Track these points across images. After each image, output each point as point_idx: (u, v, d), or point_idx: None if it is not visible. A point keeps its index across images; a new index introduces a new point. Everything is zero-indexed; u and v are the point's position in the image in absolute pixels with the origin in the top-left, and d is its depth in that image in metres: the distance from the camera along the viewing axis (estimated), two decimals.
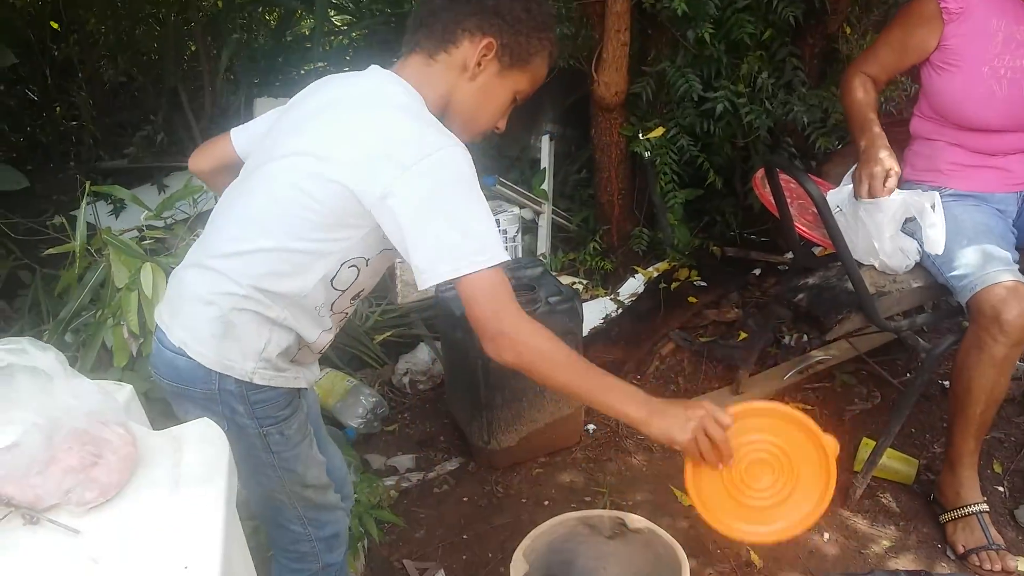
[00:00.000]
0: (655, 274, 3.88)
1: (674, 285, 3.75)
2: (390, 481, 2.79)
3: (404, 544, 2.55)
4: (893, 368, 3.16)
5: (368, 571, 2.41)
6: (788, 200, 2.56)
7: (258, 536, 2.06)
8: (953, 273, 2.28)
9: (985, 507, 2.39)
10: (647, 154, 3.72)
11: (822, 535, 2.49)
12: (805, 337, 3.37)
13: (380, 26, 5.41)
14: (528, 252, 3.98)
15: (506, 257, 1.42)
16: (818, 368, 3.18)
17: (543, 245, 4.03)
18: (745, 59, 3.53)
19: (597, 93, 3.60)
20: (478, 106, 1.59)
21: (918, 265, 2.41)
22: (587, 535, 2.03)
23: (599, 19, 3.48)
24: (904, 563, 2.38)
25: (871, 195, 2.28)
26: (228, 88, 5.05)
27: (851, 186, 2.41)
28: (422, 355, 3.36)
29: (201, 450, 1.33)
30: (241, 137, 1.77)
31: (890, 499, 2.62)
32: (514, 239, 3.79)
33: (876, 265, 2.42)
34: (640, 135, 3.71)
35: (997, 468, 2.71)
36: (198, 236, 2.36)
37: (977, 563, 2.32)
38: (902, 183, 2.60)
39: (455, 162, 1.42)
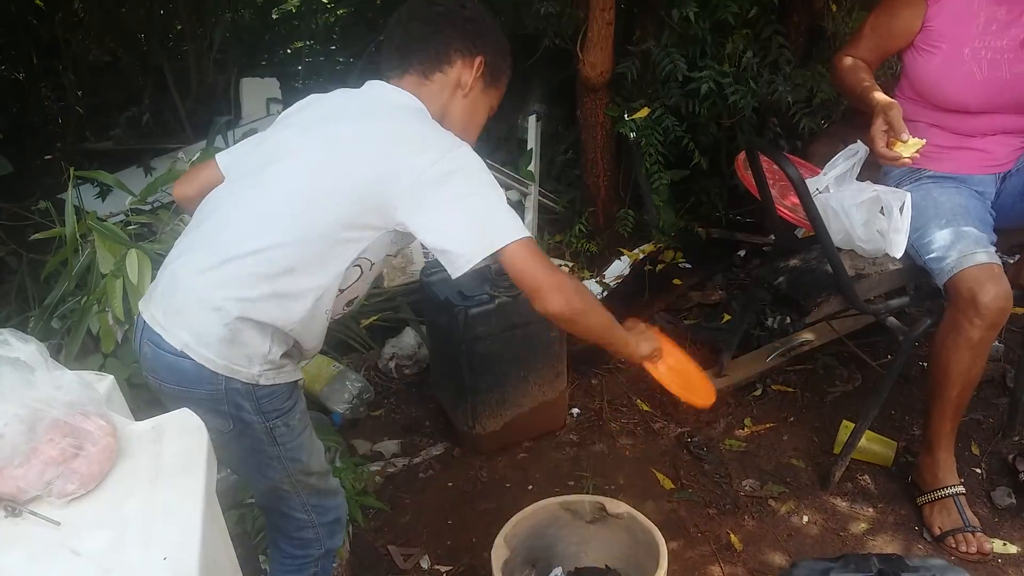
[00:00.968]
0: (641, 256, 3.89)
1: (659, 267, 3.76)
2: (376, 466, 2.81)
3: (389, 529, 2.57)
4: (874, 350, 3.19)
5: (353, 557, 2.43)
6: (770, 182, 2.58)
7: (243, 524, 2.09)
8: (931, 255, 2.30)
9: (962, 489, 2.42)
10: (632, 135, 3.73)
11: (801, 517, 2.52)
12: (787, 320, 3.39)
13: (365, 4, 5.40)
14: None
15: (528, 233, 1.52)
16: (800, 350, 3.20)
17: (529, 227, 4.04)
18: (730, 38, 3.53)
19: (582, 73, 3.61)
20: (469, 120, 1.74)
21: None
22: (568, 520, 2.06)
23: None
24: (881, 544, 2.41)
25: (888, 155, 2.22)
26: (214, 68, 5.02)
27: (835, 170, 2.42)
28: (408, 339, 3.37)
29: (181, 440, 1.34)
30: (227, 160, 1.77)
31: (869, 481, 2.65)
32: None
33: (854, 249, 2.44)
34: (625, 115, 3.72)
35: (975, 450, 2.74)
36: (184, 221, 2.38)
37: (953, 545, 2.35)
38: (883, 166, 2.62)
39: (472, 156, 1.55)
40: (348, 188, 1.52)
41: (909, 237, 2.33)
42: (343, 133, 1.59)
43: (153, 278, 2.05)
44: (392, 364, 3.33)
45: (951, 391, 2.31)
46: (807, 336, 3.25)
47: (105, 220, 2.43)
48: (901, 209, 2.27)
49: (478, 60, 1.68)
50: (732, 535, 2.47)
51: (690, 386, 1.95)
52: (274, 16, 5.63)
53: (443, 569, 2.43)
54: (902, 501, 2.56)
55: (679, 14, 3.36)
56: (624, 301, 3.60)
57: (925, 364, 2.86)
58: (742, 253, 3.89)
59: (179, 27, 5.06)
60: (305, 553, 1.86)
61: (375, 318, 3.38)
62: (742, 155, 2.70)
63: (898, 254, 2.31)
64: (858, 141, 2.42)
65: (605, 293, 3.70)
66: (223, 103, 4.56)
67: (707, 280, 3.76)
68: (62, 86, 5.04)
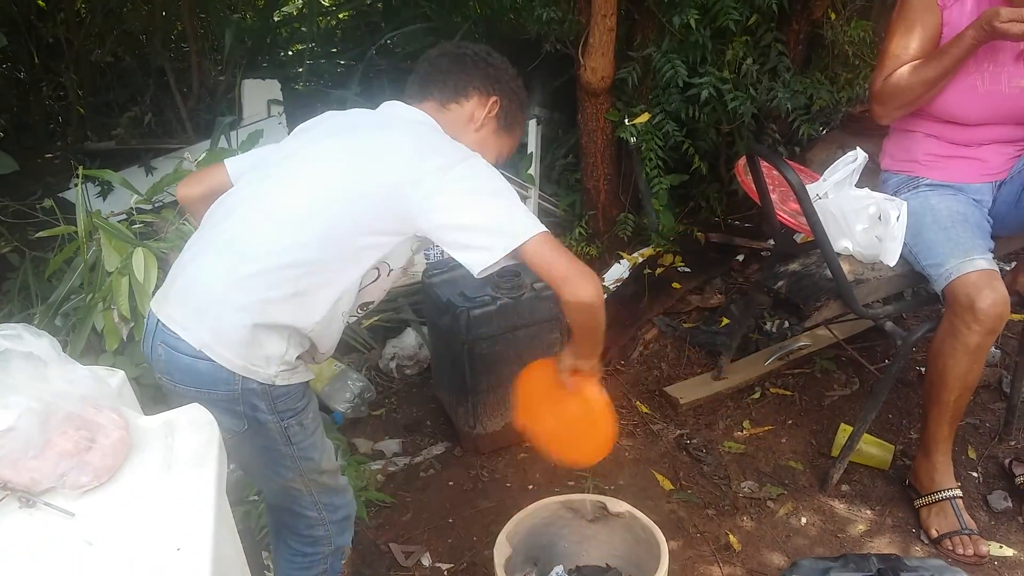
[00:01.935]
0: (640, 260, 3.91)
1: (658, 271, 3.78)
2: (377, 465, 2.83)
3: (390, 527, 2.59)
4: (872, 354, 3.22)
5: (355, 554, 2.45)
6: (770, 187, 2.60)
7: (248, 520, 2.10)
8: (929, 262, 2.32)
9: (959, 492, 2.44)
10: (633, 140, 3.75)
11: (800, 519, 2.55)
12: (786, 324, 3.41)
13: (367, 7, 5.42)
14: None
15: (546, 229, 1.56)
16: (798, 354, 3.23)
17: None
18: (730, 45, 3.55)
19: (583, 78, 3.63)
20: None
21: None
22: (569, 519, 2.08)
23: (586, 4, 3.51)
24: (879, 546, 2.43)
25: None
26: (216, 69, 5.04)
27: (835, 176, 2.43)
28: (409, 340, 3.39)
29: (192, 435, 1.37)
30: (237, 166, 1.79)
31: (866, 484, 2.67)
32: None
33: (853, 254, 2.46)
34: (626, 120, 3.74)
35: (972, 454, 2.76)
36: (187, 221, 2.40)
37: (950, 547, 2.37)
38: (880, 173, 2.65)
39: (485, 163, 1.62)
40: (370, 194, 1.56)
41: (907, 243, 2.36)
42: (363, 142, 1.64)
43: (159, 277, 2.08)
44: (393, 364, 3.34)
45: (948, 396, 2.33)
46: (805, 340, 3.27)
47: (107, 219, 2.44)
48: (898, 218, 2.29)
49: (493, 99, 1.77)
50: (731, 536, 2.49)
51: (595, 423, 1.87)
52: (276, 18, 5.65)
53: (444, 567, 2.44)
54: (899, 504, 2.58)
55: (680, 21, 3.38)
56: (623, 304, 3.61)
57: (923, 368, 2.89)
58: (741, 257, 3.91)
59: (181, 28, 5.08)
60: (315, 551, 1.89)
61: (376, 318, 3.40)
62: (742, 160, 2.72)
63: (892, 262, 2.33)
64: (857, 148, 2.44)
65: (604, 296, 3.71)
66: (224, 104, 4.58)
67: (706, 284, 3.78)
68: (64, 85, 5.05)
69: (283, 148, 1.73)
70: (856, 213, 2.38)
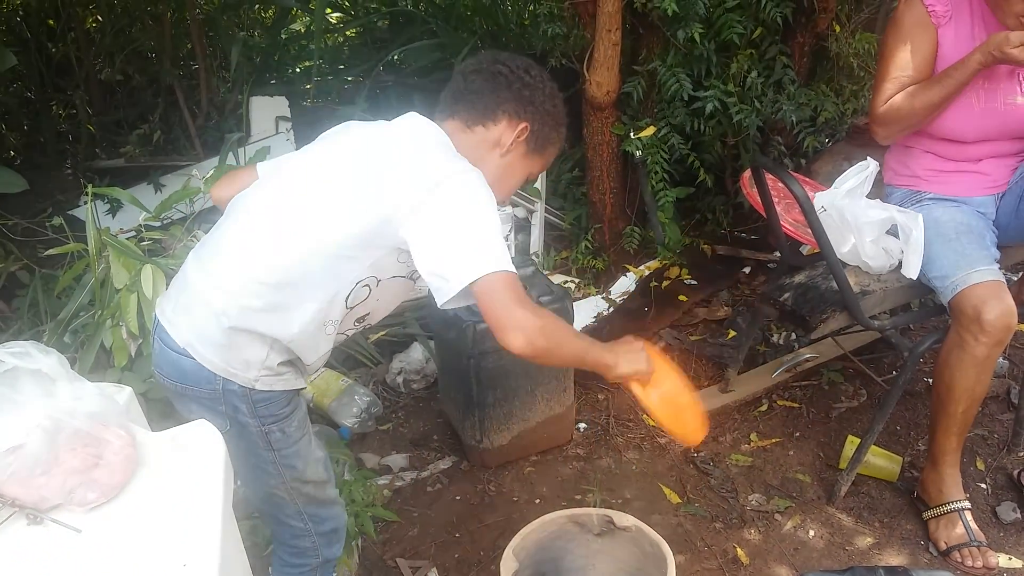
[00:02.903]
0: (646, 272, 3.92)
1: (665, 283, 3.79)
2: (384, 480, 2.83)
3: (397, 542, 2.59)
4: (879, 366, 3.21)
5: (362, 569, 2.45)
6: (775, 199, 2.60)
7: (254, 536, 2.11)
8: (935, 274, 2.32)
9: (967, 504, 2.44)
10: (638, 153, 3.77)
11: (807, 531, 2.54)
12: (792, 335, 3.41)
13: (375, 23, 5.45)
14: (521, 250, 4.02)
15: (514, 270, 1.50)
16: (805, 366, 3.22)
17: (536, 243, 4.07)
18: (735, 58, 3.57)
19: (589, 92, 3.65)
20: (500, 180, 1.73)
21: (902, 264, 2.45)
22: (576, 533, 2.07)
23: (591, 19, 3.52)
24: (887, 559, 2.42)
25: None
26: (224, 86, 5.07)
27: (847, 184, 2.43)
28: (416, 354, 3.39)
29: (199, 451, 1.38)
30: (266, 168, 1.81)
31: (874, 496, 2.66)
32: (507, 237, 3.82)
33: (860, 265, 2.46)
34: (631, 134, 3.76)
35: (980, 465, 2.75)
36: (196, 238, 2.42)
37: (959, 559, 2.36)
38: (884, 187, 2.65)
39: (476, 184, 1.55)
40: (353, 208, 1.55)
41: None
42: (362, 157, 1.63)
43: None
44: (400, 379, 3.35)
45: (956, 407, 2.33)
46: (812, 352, 3.26)
47: (116, 236, 2.46)
48: (916, 231, 2.29)
49: (523, 125, 1.70)
50: (739, 549, 2.48)
51: (679, 418, 1.84)
52: (283, 36, 5.68)
53: None
54: (908, 516, 2.57)
55: (684, 35, 3.40)
56: (630, 317, 3.62)
57: (930, 380, 2.88)
58: (747, 270, 3.92)
59: (189, 46, 5.12)
60: (302, 562, 1.89)
61: (383, 333, 3.41)
62: (747, 173, 2.73)
63: (913, 275, 2.33)
64: (868, 158, 2.44)
65: (611, 309, 3.72)
66: (232, 121, 4.61)
67: (712, 296, 3.79)
68: (74, 104, 5.09)
69: (299, 155, 1.74)
70: (869, 225, 2.38)
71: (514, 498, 2.76)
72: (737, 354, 3.10)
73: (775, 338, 3.43)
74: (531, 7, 4.93)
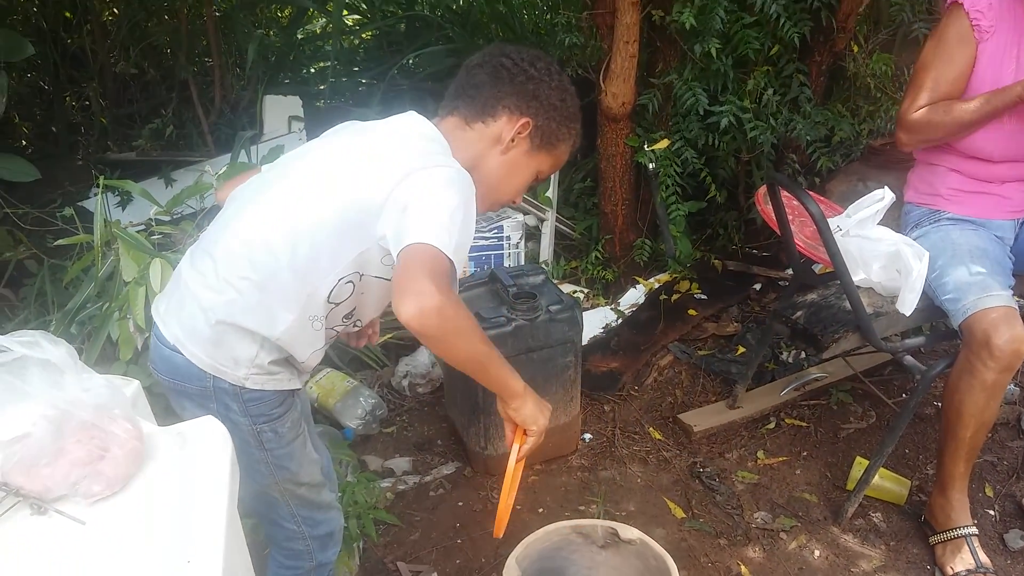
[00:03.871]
0: (656, 285, 3.90)
1: (674, 297, 3.77)
2: (387, 483, 2.81)
3: (399, 546, 2.57)
4: (889, 388, 3.19)
5: (362, 572, 2.43)
6: (789, 217, 2.59)
7: (256, 534, 2.08)
8: (947, 296, 2.31)
9: (975, 530, 2.41)
10: (651, 165, 3.75)
11: (812, 551, 2.51)
12: (803, 354, 3.39)
13: (391, 27, 5.45)
14: (531, 259, 4.01)
15: (462, 266, 1.45)
16: (815, 385, 3.20)
17: (546, 252, 4.06)
18: (752, 74, 3.56)
19: (604, 103, 3.64)
20: (502, 178, 1.68)
21: None
22: (580, 544, 2.05)
23: (608, 30, 3.52)
24: None
25: None
26: (238, 84, 5.07)
27: (859, 214, 2.40)
28: (422, 358, 3.38)
29: (205, 447, 1.36)
30: (268, 168, 1.79)
31: (881, 519, 2.64)
32: (517, 245, 3.81)
33: (873, 286, 2.44)
34: (646, 146, 3.74)
35: (989, 491, 2.73)
36: (201, 236, 2.41)
37: None
38: (904, 205, 2.63)
39: (460, 179, 1.50)
40: (331, 198, 1.52)
41: (927, 278, 2.33)
42: (347, 152, 1.61)
43: None
44: (406, 382, 3.34)
45: (964, 432, 2.31)
46: (821, 372, 3.24)
47: (126, 229, 2.46)
48: (918, 268, 2.26)
49: (524, 121, 1.63)
50: (742, 566, 2.46)
51: (512, 490, 1.70)
52: (299, 36, 5.69)
53: None
54: (914, 540, 2.55)
55: (701, 49, 3.39)
56: (638, 329, 3.61)
57: (940, 403, 2.86)
58: (758, 286, 3.90)
59: (205, 43, 5.12)
60: (296, 564, 1.87)
61: (389, 336, 3.39)
62: (763, 189, 2.71)
63: (908, 312, 2.30)
64: (884, 188, 2.41)
65: (619, 320, 3.71)
66: (246, 118, 4.61)
67: (722, 312, 3.77)
68: (87, 96, 5.09)
69: (293, 153, 1.72)
70: (876, 257, 2.36)
71: (517, 506, 2.73)
72: (746, 371, 3.08)
73: (784, 356, 3.41)
74: (548, 16, 4.92)
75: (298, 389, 1.72)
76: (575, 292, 3.89)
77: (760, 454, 2.95)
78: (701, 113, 3.58)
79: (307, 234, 1.51)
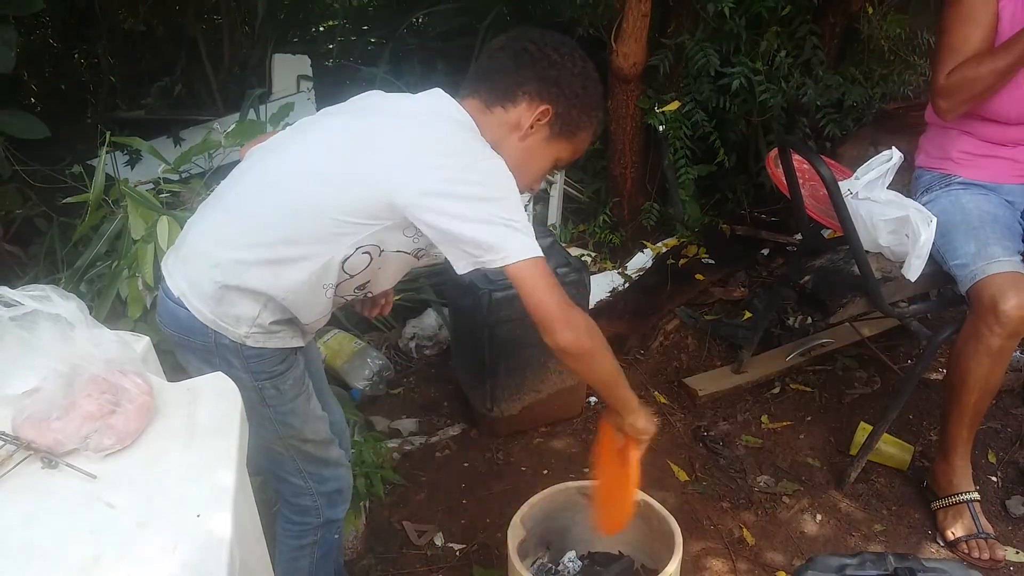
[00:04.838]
0: (663, 249, 3.90)
1: (682, 261, 3.77)
2: (393, 443, 2.84)
3: (404, 506, 2.60)
4: (895, 354, 3.19)
5: (368, 531, 2.46)
6: (800, 181, 2.57)
7: (264, 492, 2.11)
8: (955, 261, 2.30)
9: (976, 496, 2.43)
10: (661, 128, 3.72)
11: (815, 515, 2.53)
12: (809, 319, 3.39)
13: None
14: (539, 222, 4.00)
15: (540, 253, 1.49)
16: (820, 351, 3.21)
17: (554, 215, 4.05)
18: (765, 36, 3.52)
19: (615, 64, 3.60)
20: (521, 164, 1.63)
21: None
22: (585, 504, 2.07)
23: None
24: (894, 546, 2.42)
25: None
26: (247, 42, 5.04)
27: (868, 176, 2.39)
28: (429, 320, 3.39)
29: (215, 403, 1.37)
30: (288, 130, 1.78)
31: (884, 484, 2.65)
32: (525, 208, 3.79)
33: (882, 251, 2.44)
34: (656, 108, 3.71)
35: (991, 458, 2.74)
36: (213, 191, 2.40)
37: (966, 551, 2.36)
38: (915, 170, 2.62)
39: (501, 169, 1.52)
40: (354, 178, 1.50)
41: (935, 242, 2.31)
42: (373, 127, 1.58)
43: None
44: (413, 344, 3.35)
45: (969, 398, 2.31)
46: (828, 337, 3.24)
47: (135, 187, 2.46)
48: (925, 234, 2.25)
49: (543, 108, 1.59)
50: (744, 530, 2.48)
51: (630, 495, 1.91)
52: None
53: (456, 547, 2.45)
54: (916, 505, 2.56)
55: (714, 8, 3.35)
56: (645, 293, 3.61)
57: (944, 370, 2.86)
58: (766, 251, 3.89)
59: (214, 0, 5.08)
60: (304, 520, 1.88)
61: (397, 298, 3.37)
62: (773, 152, 2.70)
63: (913, 277, 2.30)
64: (893, 148, 2.39)
65: (626, 284, 3.71)
66: (254, 77, 4.58)
67: (730, 276, 3.76)
68: (96, 54, 5.06)
69: (314, 120, 1.70)
70: (885, 221, 2.35)
71: (522, 468, 2.76)
72: (752, 335, 3.08)
73: (791, 321, 3.41)
74: None
75: (301, 347, 1.72)
76: (583, 256, 3.89)
77: (764, 419, 2.96)
78: (713, 74, 3.55)
79: (328, 208, 1.50)
